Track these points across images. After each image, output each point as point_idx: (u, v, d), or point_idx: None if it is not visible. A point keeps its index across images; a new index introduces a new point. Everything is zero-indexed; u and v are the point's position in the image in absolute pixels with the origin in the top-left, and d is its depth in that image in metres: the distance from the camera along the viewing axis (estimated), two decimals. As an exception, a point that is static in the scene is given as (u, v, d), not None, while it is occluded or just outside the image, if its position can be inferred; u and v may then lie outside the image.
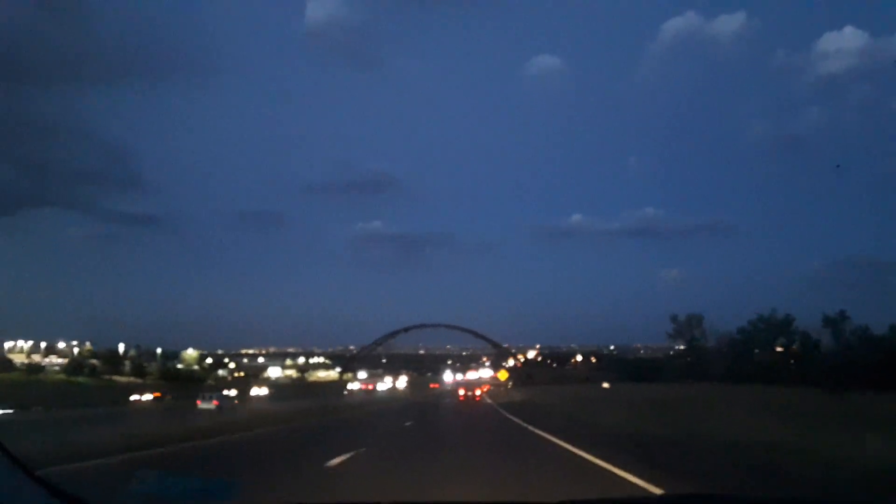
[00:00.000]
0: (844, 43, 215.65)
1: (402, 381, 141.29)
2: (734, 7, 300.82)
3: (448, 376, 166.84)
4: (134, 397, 72.34)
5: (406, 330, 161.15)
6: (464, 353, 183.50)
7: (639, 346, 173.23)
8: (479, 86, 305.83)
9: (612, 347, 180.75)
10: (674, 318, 73.88)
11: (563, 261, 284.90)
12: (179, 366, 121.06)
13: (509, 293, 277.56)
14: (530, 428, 20.43)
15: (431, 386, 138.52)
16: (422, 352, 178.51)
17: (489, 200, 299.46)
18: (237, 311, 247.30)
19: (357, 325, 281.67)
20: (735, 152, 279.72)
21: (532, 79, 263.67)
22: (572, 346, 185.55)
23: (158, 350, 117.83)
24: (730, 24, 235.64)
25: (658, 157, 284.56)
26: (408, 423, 24.01)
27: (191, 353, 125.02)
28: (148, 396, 73.98)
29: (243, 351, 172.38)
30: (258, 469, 10.72)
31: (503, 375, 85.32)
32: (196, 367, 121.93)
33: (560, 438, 15.71)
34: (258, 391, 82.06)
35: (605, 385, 75.46)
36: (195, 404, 46.50)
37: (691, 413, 22.10)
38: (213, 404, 47.11)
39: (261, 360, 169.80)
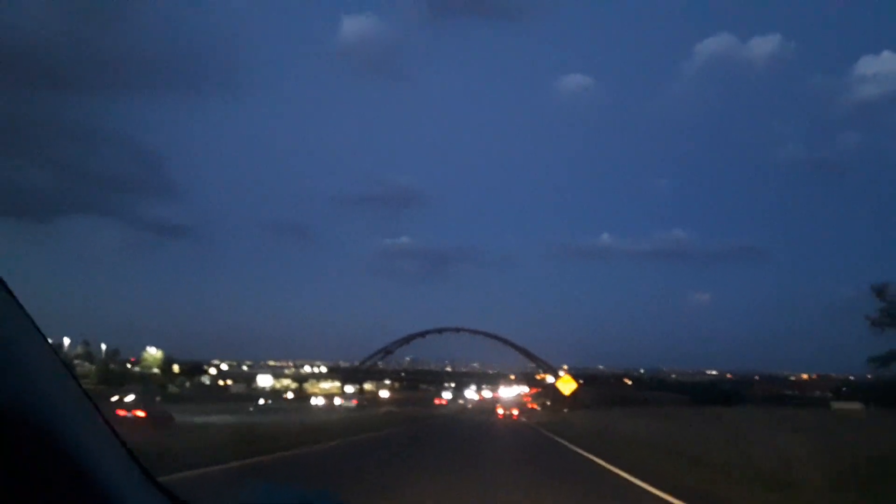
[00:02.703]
0: (882, 67, 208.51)
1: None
2: (769, 29, 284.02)
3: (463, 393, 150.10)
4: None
5: (423, 335, 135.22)
6: (490, 372, 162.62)
7: (668, 369, 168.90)
8: (508, 103, 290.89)
9: (641, 370, 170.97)
10: (879, 290, 37.49)
11: (589, 280, 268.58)
12: (136, 368, 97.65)
13: (534, 312, 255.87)
14: None
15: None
16: (449, 368, 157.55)
17: (516, 217, 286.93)
18: (259, 322, 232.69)
19: (382, 337, 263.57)
20: (767, 176, 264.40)
21: (562, 97, 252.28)
22: (599, 367, 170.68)
23: (103, 346, 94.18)
24: (764, 46, 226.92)
25: (689, 179, 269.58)
26: None
27: (152, 353, 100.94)
28: None
29: (268, 362, 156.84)
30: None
31: (566, 383, 54.85)
32: (156, 370, 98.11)
33: None
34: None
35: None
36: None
37: None
38: (353, 403, 67.17)
39: (244, 367, 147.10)
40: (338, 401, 73.85)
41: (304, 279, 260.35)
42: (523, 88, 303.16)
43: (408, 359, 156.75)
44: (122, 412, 33.53)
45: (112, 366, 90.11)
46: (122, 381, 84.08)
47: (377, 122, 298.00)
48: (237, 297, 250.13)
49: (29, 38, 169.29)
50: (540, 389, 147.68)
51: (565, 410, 47.59)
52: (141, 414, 32.30)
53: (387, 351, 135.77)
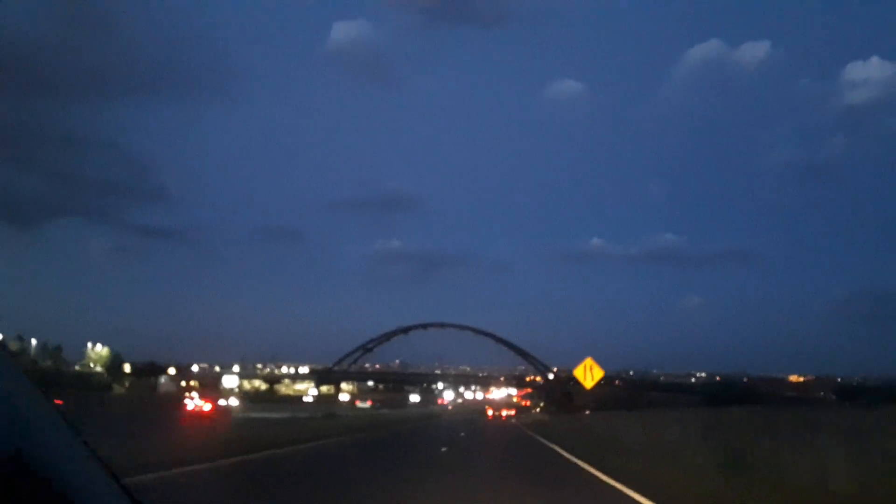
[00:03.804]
0: (870, 73, 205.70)
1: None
2: (759, 35, 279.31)
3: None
4: None
5: (405, 331, 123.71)
6: (480, 375, 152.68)
7: (657, 372, 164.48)
8: (499, 107, 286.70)
9: (630, 372, 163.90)
10: None
11: (579, 284, 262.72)
12: (77, 367, 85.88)
13: (525, 315, 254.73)
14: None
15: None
16: (438, 371, 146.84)
17: (507, 221, 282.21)
18: (251, 326, 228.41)
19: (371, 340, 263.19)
20: (758, 179, 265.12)
21: (553, 102, 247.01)
22: None
23: (34, 341, 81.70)
24: (754, 51, 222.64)
25: (680, 183, 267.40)
26: None
27: (98, 350, 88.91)
28: None
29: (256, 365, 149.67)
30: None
31: (589, 371, 34.78)
32: (99, 368, 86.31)
33: None
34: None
35: None
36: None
37: None
38: (367, 403, 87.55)
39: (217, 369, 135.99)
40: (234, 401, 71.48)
41: (295, 283, 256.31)
42: (515, 93, 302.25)
43: (397, 361, 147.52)
44: (190, 406, 42.11)
45: (47, 363, 78.17)
46: (58, 379, 72.41)
47: (370, 126, 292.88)
48: (226, 300, 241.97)
49: (17, 43, 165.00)
50: (532, 390, 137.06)
51: (587, 412, 33.65)
52: (208, 407, 41.28)
53: (365, 349, 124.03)
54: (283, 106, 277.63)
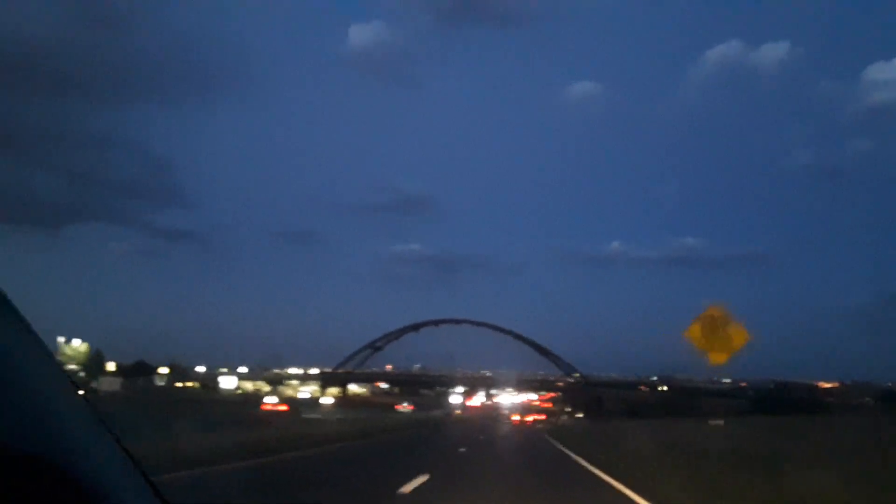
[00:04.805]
0: (893, 74, 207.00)
1: None
2: (779, 35, 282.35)
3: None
4: None
5: (416, 328, 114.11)
6: (498, 378, 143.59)
7: (680, 377, 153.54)
8: (517, 109, 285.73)
9: (654, 378, 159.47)
10: None
11: (598, 288, 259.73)
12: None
13: (543, 319, 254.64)
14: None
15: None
16: (459, 375, 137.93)
17: (525, 224, 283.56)
18: (267, 329, 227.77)
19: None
20: (777, 182, 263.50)
21: (571, 104, 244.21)
22: (611, 374, 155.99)
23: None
24: (774, 52, 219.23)
25: (699, 186, 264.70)
26: None
27: (76, 346, 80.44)
28: None
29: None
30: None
31: (717, 329, 18.69)
32: (74, 367, 77.88)
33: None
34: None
35: None
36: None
37: None
38: (408, 408, 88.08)
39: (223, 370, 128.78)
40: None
41: (311, 287, 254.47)
42: (532, 95, 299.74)
43: (417, 366, 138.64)
44: (268, 406, 55.77)
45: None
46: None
47: (387, 129, 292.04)
48: (241, 303, 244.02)
49: (39, 45, 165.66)
50: (556, 394, 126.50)
51: (719, 423, 17.54)
52: (283, 408, 54.94)
53: (374, 347, 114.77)
54: (301, 108, 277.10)
